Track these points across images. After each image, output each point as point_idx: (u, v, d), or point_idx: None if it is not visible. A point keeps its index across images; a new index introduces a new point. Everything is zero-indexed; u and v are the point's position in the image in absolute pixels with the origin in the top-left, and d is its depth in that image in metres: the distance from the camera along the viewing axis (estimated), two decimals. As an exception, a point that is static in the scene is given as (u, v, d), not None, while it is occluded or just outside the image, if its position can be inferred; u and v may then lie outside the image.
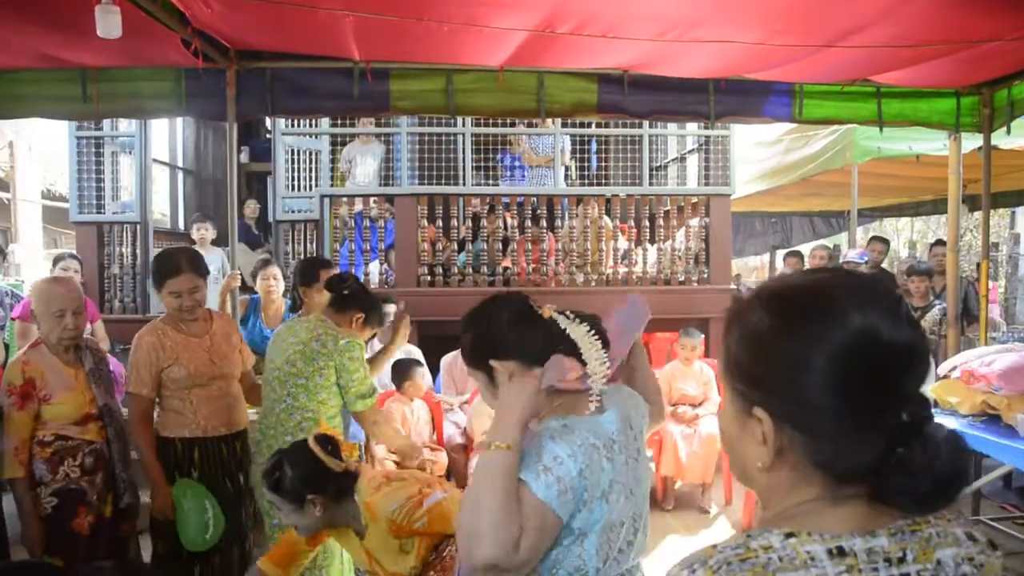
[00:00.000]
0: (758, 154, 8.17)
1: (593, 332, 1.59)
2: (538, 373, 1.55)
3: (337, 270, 3.92)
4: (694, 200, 6.45)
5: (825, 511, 0.86)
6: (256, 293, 5.22)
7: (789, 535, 0.83)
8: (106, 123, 6.60)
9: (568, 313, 1.63)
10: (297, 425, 2.98)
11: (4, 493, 2.94)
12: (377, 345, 4.46)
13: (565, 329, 1.59)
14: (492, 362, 1.65)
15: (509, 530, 1.35)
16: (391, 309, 4.43)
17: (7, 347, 4.99)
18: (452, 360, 5.11)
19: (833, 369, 0.82)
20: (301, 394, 2.99)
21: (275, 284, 4.96)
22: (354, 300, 3.19)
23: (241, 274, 5.04)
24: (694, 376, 5.61)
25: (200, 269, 3.19)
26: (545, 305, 1.65)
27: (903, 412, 0.82)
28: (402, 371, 4.70)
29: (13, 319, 5.15)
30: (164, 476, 3.05)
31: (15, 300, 5.38)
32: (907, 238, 18.65)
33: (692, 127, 7.19)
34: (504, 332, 1.66)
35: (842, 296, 0.85)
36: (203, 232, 6.59)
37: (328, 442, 2.33)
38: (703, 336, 5.81)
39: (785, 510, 0.88)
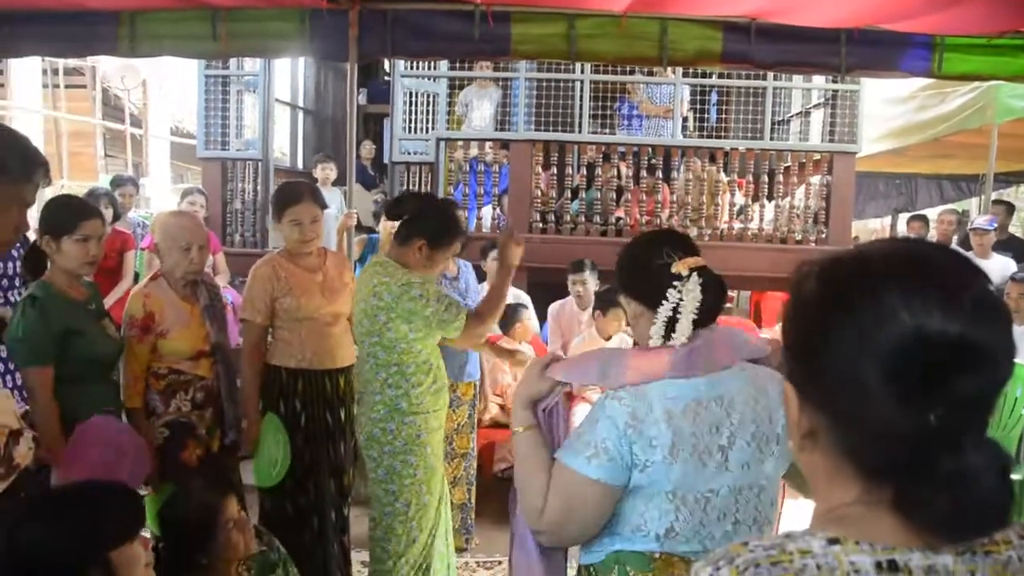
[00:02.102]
0: (887, 111, 7.77)
1: (707, 307, 1.54)
2: (556, 360, 1.64)
3: (461, 212, 3.90)
4: (816, 157, 6.20)
5: (879, 516, 0.75)
6: (375, 233, 5.34)
7: (833, 541, 0.73)
8: (232, 62, 6.80)
9: (700, 277, 1.55)
10: (384, 383, 2.84)
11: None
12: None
13: (680, 293, 1.53)
14: (622, 298, 1.67)
15: (531, 501, 1.54)
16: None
17: (137, 276, 5.27)
18: (559, 308, 5.11)
19: (868, 357, 0.72)
20: (379, 351, 2.83)
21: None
22: (413, 227, 2.87)
23: (357, 214, 5.15)
24: (806, 337, 5.46)
25: (320, 201, 3.26)
26: (685, 259, 1.57)
27: (932, 415, 0.70)
28: (509, 314, 4.74)
29: (143, 249, 5.44)
30: (259, 412, 3.14)
31: (146, 231, 5.67)
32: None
33: (819, 80, 6.88)
34: (632, 269, 1.65)
35: (888, 274, 0.75)
36: (326, 171, 6.76)
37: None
38: (817, 297, 5.64)
39: (833, 508, 0.78)
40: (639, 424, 1.45)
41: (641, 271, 1.63)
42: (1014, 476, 3.91)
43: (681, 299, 1.52)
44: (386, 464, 2.87)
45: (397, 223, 2.93)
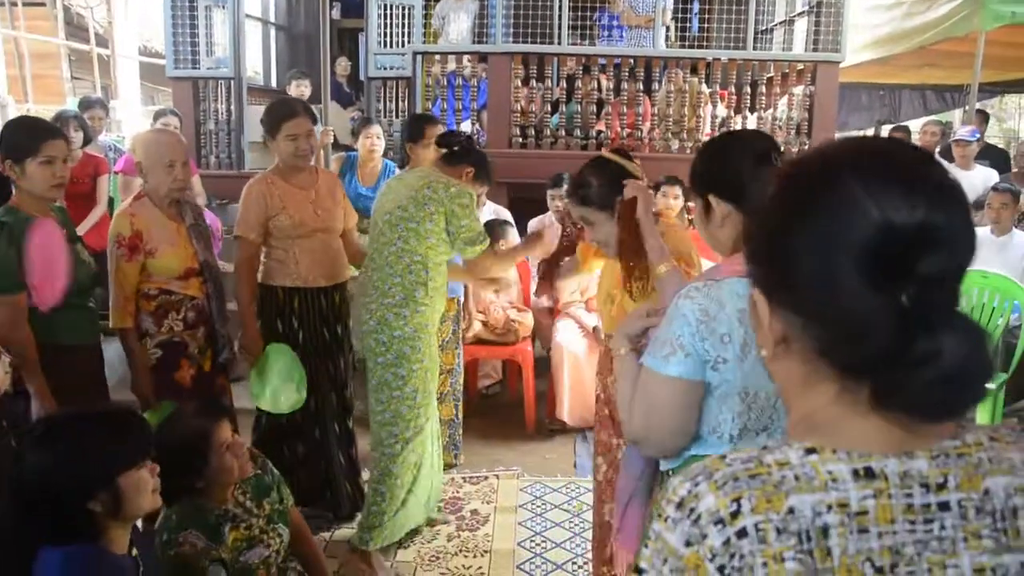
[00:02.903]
0: (873, 19, 7.64)
1: None
2: (656, 312, 1.66)
3: (442, 127, 3.92)
4: (800, 67, 6.09)
5: (855, 420, 0.76)
6: (353, 150, 5.25)
7: (810, 451, 0.75)
8: (199, -24, 6.56)
9: None
10: (406, 268, 2.99)
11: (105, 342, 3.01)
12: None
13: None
14: (711, 197, 1.62)
15: (625, 411, 1.60)
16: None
17: (112, 200, 5.18)
18: (539, 223, 5.08)
19: (832, 246, 0.72)
20: (412, 237, 2.99)
21: (377, 143, 4.95)
22: (464, 156, 3.16)
23: (334, 132, 5.05)
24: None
25: (312, 115, 3.30)
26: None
27: (903, 296, 0.71)
28: (492, 231, 4.70)
29: (116, 173, 5.33)
30: (255, 318, 3.22)
31: (118, 155, 5.54)
32: (1030, 117, 17.37)
33: (804, -13, 6.73)
34: (736, 172, 1.60)
35: (844, 167, 0.75)
36: (301, 88, 6.61)
37: (622, 153, 2.31)
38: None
39: (809, 416, 0.79)
40: (711, 321, 1.47)
41: (739, 174, 1.58)
42: (990, 384, 4.00)
43: None
44: (396, 348, 3.01)
45: (380, 141, 3.45)
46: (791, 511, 0.72)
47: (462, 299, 4.18)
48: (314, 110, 6.32)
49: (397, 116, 6.43)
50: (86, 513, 1.72)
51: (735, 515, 0.72)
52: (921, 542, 0.73)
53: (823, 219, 0.74)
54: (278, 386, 3.13)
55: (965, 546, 0.73)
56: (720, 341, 1.47)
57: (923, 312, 0.71)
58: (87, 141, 5.16)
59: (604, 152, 2.32)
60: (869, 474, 0.73)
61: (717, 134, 1.78)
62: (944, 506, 0.74)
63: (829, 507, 0.72)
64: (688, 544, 0.73)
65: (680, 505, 0.75)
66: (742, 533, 0.71)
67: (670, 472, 1.64)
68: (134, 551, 1.86)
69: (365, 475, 3.48)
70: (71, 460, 1.70)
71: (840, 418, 0.77)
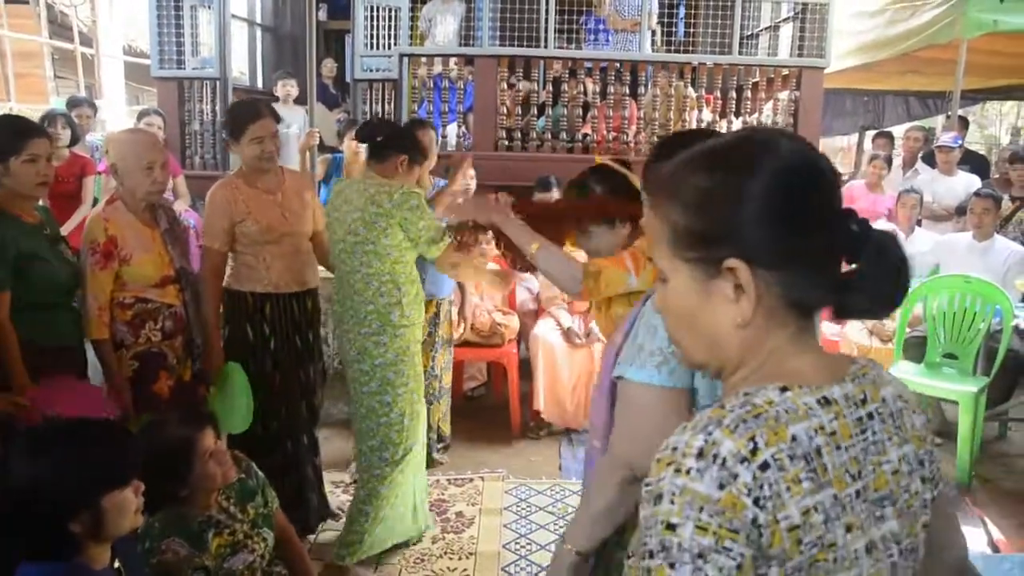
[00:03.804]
0: (857, 25, 7.69)
1: None
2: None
3: (432, 131, 3.87)
4: (785, 72, 6.13)
5: (798, 360, 0.91)
6: (339, 152, 5.23)
7: (783, 389, 0.86)
8: (184, -25, 6.54)
9: None
10: (376, 292, 2.92)
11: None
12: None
13: None
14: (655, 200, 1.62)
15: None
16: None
17: (97, 201, 5.14)
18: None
19: (787, 194, 0.87)
20: (373, 260, 2.90)
21: (363, 145, 4.91)
22: (390, 145, 3.02)
23: (320, 133, 5.04)
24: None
25: (276, 114, 3.19)
26: None
27: (850, 224, 0.89)
28: (459, 234, 4.68)
29: (100, 173, 5.29)
30: (220, 336, 3.11)
31: (103, 155, 5.50)
32: (1011, 123, 17.54)
33: (789, -7, 6.77)
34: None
35: (764, 136, 0.92)
36: (288, 88, 6.60)
37: (625, 164, 2.22)
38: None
39: (764, 363, 0.91)
40: None
41: None
42: (969, 388, 4.02)
43: None
44: (379, 376, 2.95)
45: (365, 144, 3.05)
46: (794, 439, 0.83)
47: (444, 298, 4.12)
48: (300, 110, 6.35)
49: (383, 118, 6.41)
50: (65, 533, 1.67)
51: (754, 451, 0.80)
52: (865, 449, 0.88)
53: (770, 168, 0.87)
54: (232, 407, 3.02)
55: (890, 444, 0.91)
56: None
57: (864, 231, 0.89)
58: (75, 140, 5.12)
59: (607, 161, 2.21)
60: (827, 401, 0.87)
61: (669, 135, 1.73)
62: (870, 416, 0.90)
63: (816, 431, 0.84)
64: (722, 487, 0.79)
65: (701, 455, 0.80)
66: (765, 466, 0.80)
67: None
68: (116, 563, 1.84)
69: (332, 476, 3.43)
70: (56, 478, 1.65)
71: (787, 360, 0.91)
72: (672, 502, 0.79)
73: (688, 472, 0.80)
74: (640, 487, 0.86)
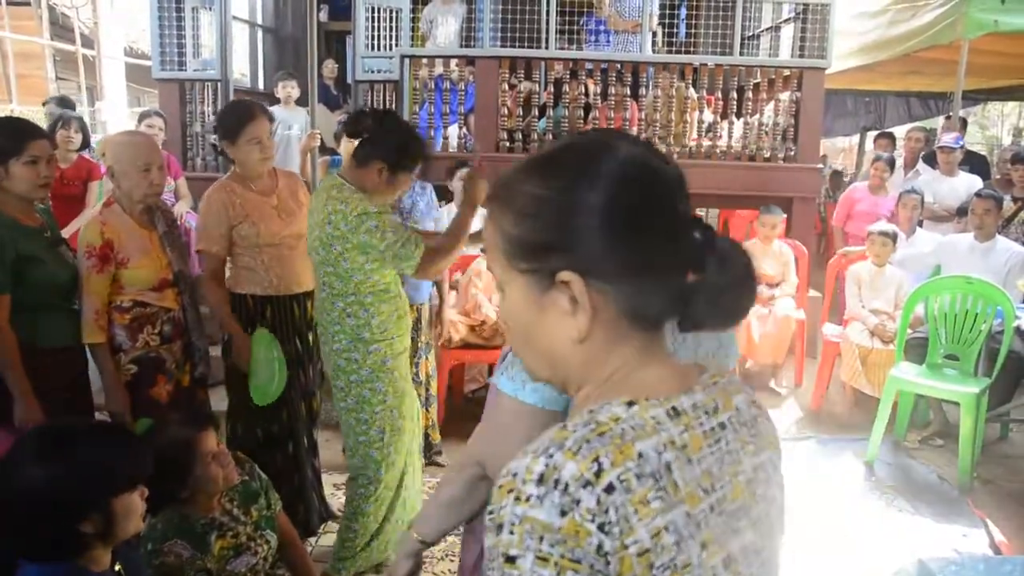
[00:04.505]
0: (859, 26, 7.69)
1: None
2: None
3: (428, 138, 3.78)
4: (786, 73, 6.12)
5: (643, 373, 0.86)
6: (338, 154, 5.21)
7: (630, 403, 0.82)
8: (185, -23, 6.54)
9: None
10: (343, 312, 2.75)
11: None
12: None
13: None
14: None
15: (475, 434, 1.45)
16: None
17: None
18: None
19: (621, 203, 0.82)
20: (335, 282, 2.72)
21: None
22: (372, 148, 2.71)
23: (320, 135, 5.03)
24: (773, 255, 5.50)
25: (270, 115, 3.19)
26: None
27: (695, 232, 0.85)
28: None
29: (104, 175, 5.30)
30: (240, 327, 3.08)
31: (100, 157, 5.51)
32: (1012, 124, 17.54)
33: (790, -6, 6.77)
34: None
35: (603, 141, 0.86)
36: (289, 89, 6.59)
37: None
38: (784, 215, 5.65)
39: (605, 381, 0.87)
40: None
41: None
42: (970, 389, 4.02)
43: None
44: (355, 393, 2.83)
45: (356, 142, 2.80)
46: (641, 456, 0.78)
47: (431, 306, 4.09)
48: (302, 111, 6.35)
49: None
50: (75, 534, 1.68)
51: (599, 474, 0.75)
52: (719, 460, 0.85)
53: (614, 186, 0.83)
54: (266, 375, 2.99)
55: (744, 453, 0.88)
56: None
57: (710, 241, 0.85)
58: (85, 144, 5.14)
59: None
60: (676, 412, 0.84)
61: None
62: (722, 426, 0.87)
63: (665, 446, 0.80)
64: (563, 514, 0.74)
65: (541, 480, 0.75)
66: (610, 488, 0.75)
67: None
68: (117, 566, 1.84)
69: (333, 478, 3.41)
70: (70, 481, 1.66)
71: (633, 373, 0.86)
72: (512, 532, 0.75)
73: (528, 500, 0.75)
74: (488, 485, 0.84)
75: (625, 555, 0.75)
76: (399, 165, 2.74)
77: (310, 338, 3.28)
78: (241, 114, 3.07)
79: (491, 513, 0.78)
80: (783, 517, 0.94)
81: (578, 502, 0.74)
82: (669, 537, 0.77)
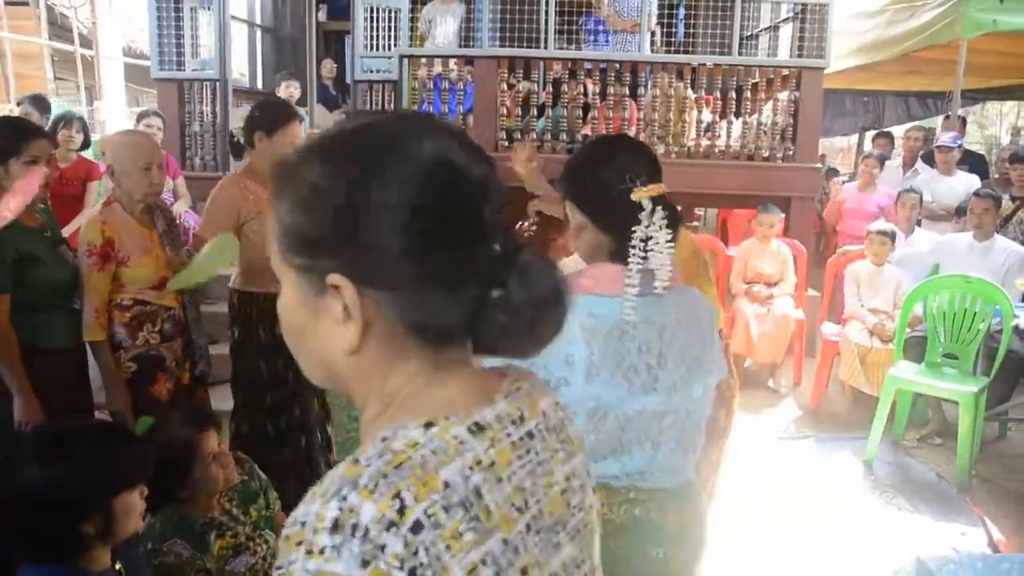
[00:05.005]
0: (857, 26, 7.70)
1: (670, 242, 1.45)
2: None
3: None
4: (784, 73, 6.13)
5: (438, 388, 0.77)
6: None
7: (428, 424, 0.73)
8: (183, -23, 6.55)
9: (664, 211, 1.46)
10: None
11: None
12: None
13: (647, 230, 1.44)
14: (568, 204, 1.58)
15: None
16: None
17: (101, 207, 5.17)
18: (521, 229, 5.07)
19: (411, 205, 0.71)
20: None
21: None
22: None
23: (319, 134, 5.06)
24: (771, 254, 5.50)
25: (302, 121, 3.23)
26: (648, 187, 1.47)
27: (495, 244, 0.75)
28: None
29: (103, 175, 5.31)
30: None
31: (99, 157, 5.52)
32: (1011, 123, 17.55)
33: (788, -7, 6.77)
34: (586, 185, 1.56)
35: (406, 129, 0.76)
36: (290, 90, 6.60)
37: None
38: (783, 215, 5.66)
39: (390, 398, 0.77)
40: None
41: (596, 190, 1.54)
42: (969, 388, 4.03)
43: (650, 236, 1.44)
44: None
45: None
46: (447, 485, 0.69)
47: None
48: (302, 112, 6.36)
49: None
50: (76, 535, 1.68)
51: (402, 512, 0.66)
52: (531, 472, 0.78)
53: (405, 183, 0.72)
54: (219, 255, 2.81)
55: (554, 462, 0.81)
56: (564, 361, 1.41)
57: (511, 255, 0.75)
58: (86, 144, 5.15)
59: None
60: (480, 428, 0.75)
61: (597, 138, 1.73)
62: (530, 435, 0.79)
63: (472, 468, 0.72)
64: (366, 563, 0.64)
65: (336, 527, 0.65)
66: (417, 527, 0.66)
67: None
68: (117, 565, 1.84)
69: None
70: (70, 481, 1.65)
71: (424, 389, 0.77)
72: None
73: (322, 552, 0.64)
74: None
75: None
76: None
77: None
78: (286, 112, 3.11)
79: (279, 569, 0.66)
80: (597, 525, 0.89)
81: (383, 548, 0.64)
82: (487, 571, 0.69)
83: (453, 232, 0.73)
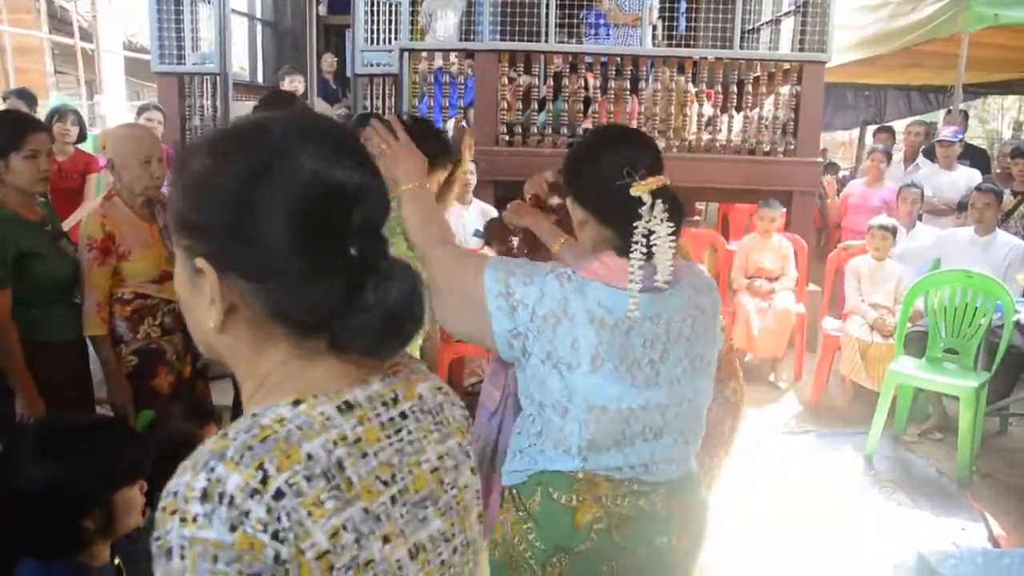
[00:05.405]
0: (859, 20, 7.68)
1: (672, 235, 1.44)
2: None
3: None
4: (786, 66, 6.11)
5: (310, 371, 0.83)
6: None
7: (296, 402, 0.79)
8: (184, -29, 6.54)
9: (664, 203, 1.44)
10: None
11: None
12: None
13: (648, 224, 1.43)
14: (569, 200, 1.58)
15: (428, 236, 1.62)
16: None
17: (100, 199, 5.16)
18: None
19: (273, 203, 0.77)
20: None
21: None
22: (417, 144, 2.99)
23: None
24: (772, 249, 5.50)
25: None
26: (647, 181, 1.45)
27: (352, 247, 0.79)
28: (491, 230, 4.69)
29: (102, 169, 5.30)
30: None
31: (100, 150, 5.51)
32: (1012, 118, 17.51)
33: (791, -13, 6.76)
34: (585, 180, 1.55)
35: (284, 130, 0.81)
36: (295, 84, 6.59)
37: None
38: (784, 209, 5.65)
39: (266, 378, 0.83)
40: (563, 317, 1.41)
41: (595, 186, 1.52)
42: (970, 383, 4.02)
43: (651, 231, 1.43)
44: None
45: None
46: (310, 457, 0.76)
47: None
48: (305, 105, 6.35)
49: (384, 114, 6.40)
50: (77, 530, 1.68)
51: (265, 481, 0.73)
52: (400, 450, 0.85)
53: (275, 186, 0.77)
54: None
55: (427, 442, 0.88)
56: (570, 346, 1.41)
57: (369, 260, 0.80)
58: (82, 137, 5.14)
59: None
60: (349, 406, 0.81)
61: (594, 130, 1.73)
62: (403, 416, 0.87)
63: (335, 443, 0.78)
64: (234, 528, 0.71)
65: (206, 497, 0.72)
66: (278, 494, 0.73)
67: (514, 491, 1.54)
68: (116, 559, 1.84)
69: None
70: (72, 477, 1.64)
71: (298, 372, 0.82)
72: (183, 557, 0.71)
73: (195, 520, 0.71)
74: None
75: (303, 560, 0.73)
76: (437, 162, 2.89)
77: None
78: (286, 100, 3.14)
79: (157, 539, 0.73)
80: (479, 502, 0.95)
81: (247, 514, 0.72)
82: (348, 536, 0.76)
83: (314, 234, 0.78)
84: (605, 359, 1.42)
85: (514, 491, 1.53)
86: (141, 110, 5.83)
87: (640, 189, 1.44)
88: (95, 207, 2.91)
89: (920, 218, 5.66)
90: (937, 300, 4.43)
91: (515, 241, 2.68)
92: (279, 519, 0.72)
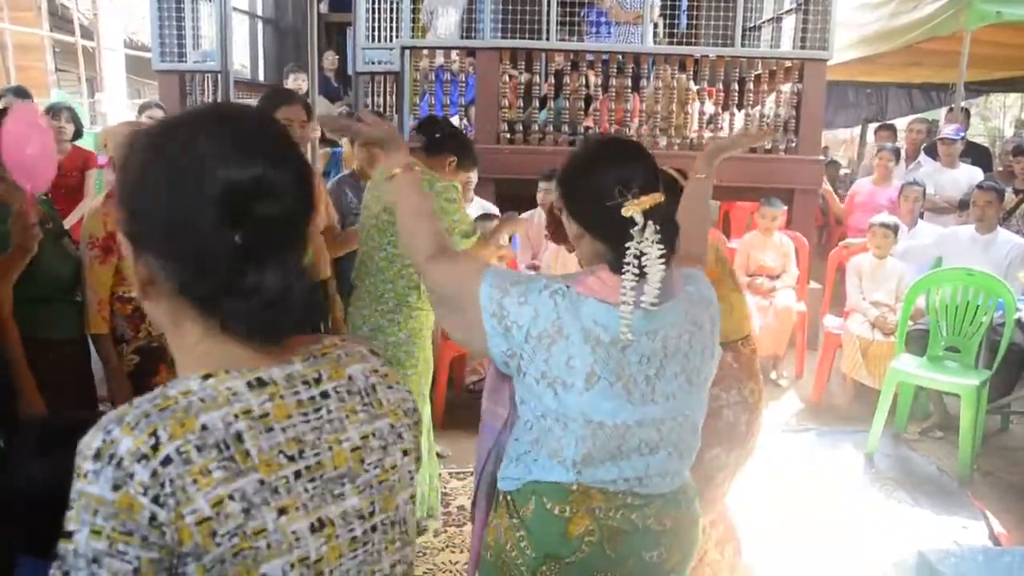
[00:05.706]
0: (860, 17, 7.66)
1: (662, 258, 1.41)
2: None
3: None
4: (787, 64, 6.10)
5: (227, 347, 0.88)
6: (339, 147, 5.22)
7: (207, 376, 0.85)
8: (185, -31, 6.54)
9: (656, 224, 1.41)
10: (398, 272, 2.95)
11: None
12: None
13: (639, 245, 1.41)
14: (564, 214, 1.57)
15: (418, 242, 1.60)
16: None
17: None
18: (528, 219, 5.07)
19: (178, 194, 0.84)
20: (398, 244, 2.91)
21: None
22: (446, 144, 3.09)
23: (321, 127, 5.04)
24: (773, 247, 5.49)
25: (308, 108, 3.18)
26: (639, 200, 1.42)
27: (236, 236, 0.84)
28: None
29: (100, 167, 5.30)
30: None
31: (102, 148, 5.51)
32: (1014, 116, 17.48)
33: (792, -15, 6.75)
34: (578, 197, 1.54)
35: (191, 128, 0.88)
36: (299, 82, 6.60)
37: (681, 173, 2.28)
38: (785, 207, 5.64)
39: (189, 350, 0.90)
40: (558, 338, 1.41)
41: (587, 203, 1.51)
42: (971, 381, 4.02)
43: (642, 252, 1.41)
44: (390, 355, 2.97)
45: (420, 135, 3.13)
46: (204, 428, 0.82)
47: None
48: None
49: (385, 111, 6.40)
50: None
51: (156, 447, 0.79)
52: (317, 428, 0.89)
53: (177, 173, 0.85)
54: None
55: (349, 421, 0.92)
56: (565, 364, 1.41)
57: (253, 249, 0.84)
58: (78, 134, 5.13)
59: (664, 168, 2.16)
60: (261, 383, 0.87)
61: (588, 143, 1.72)
62: (324, 395, 0.91)
63: (237, 416, 0.84)
64: (116, 488, 0.78)
65: (98, 456, 0.79)
66: (167, 461, 0.79)
67: (509, 497, 1.53)
68: None
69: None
70: (70, 475, 1.66)
71: (213, 348, 0.88)
72: (71, 507, 0.79)
73: (86, 476, 0.79)
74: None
75: (182, 524, 0.78)
76: (465, 162, 3.16)
77: (320, 327, 3.31)
78: (278, 97, 3.10)
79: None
80: (412, 482, 0.99)
81: (131, 476, 0.78)
82: (235, 505, 0.80)
83: (209, 221, 0.83)
84: (601, 376, 1.41)
85: (508, 497, 1.53)
86: (143, 108, 5.84)
87: (632, 209, 1.41)
88: (97, 205, 2.90)
89: (922, 216, 5.65)
90: (938, 298, 4.42)
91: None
92: (163, 484, 0.78)
